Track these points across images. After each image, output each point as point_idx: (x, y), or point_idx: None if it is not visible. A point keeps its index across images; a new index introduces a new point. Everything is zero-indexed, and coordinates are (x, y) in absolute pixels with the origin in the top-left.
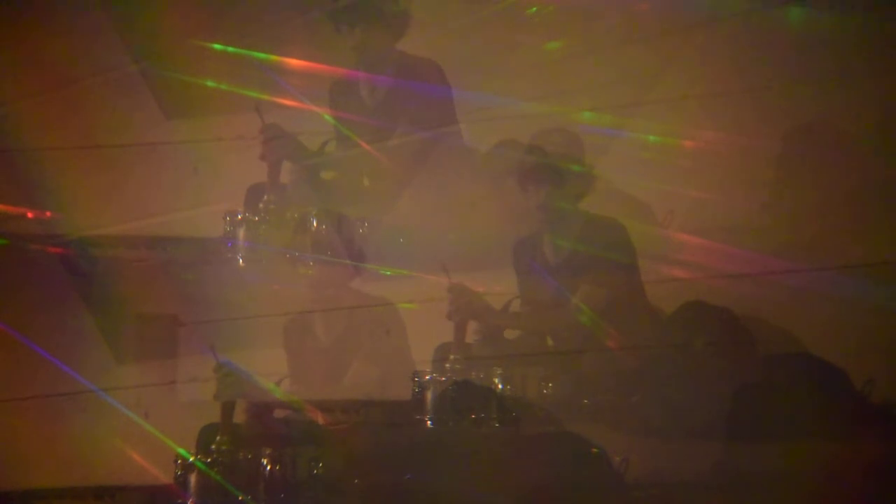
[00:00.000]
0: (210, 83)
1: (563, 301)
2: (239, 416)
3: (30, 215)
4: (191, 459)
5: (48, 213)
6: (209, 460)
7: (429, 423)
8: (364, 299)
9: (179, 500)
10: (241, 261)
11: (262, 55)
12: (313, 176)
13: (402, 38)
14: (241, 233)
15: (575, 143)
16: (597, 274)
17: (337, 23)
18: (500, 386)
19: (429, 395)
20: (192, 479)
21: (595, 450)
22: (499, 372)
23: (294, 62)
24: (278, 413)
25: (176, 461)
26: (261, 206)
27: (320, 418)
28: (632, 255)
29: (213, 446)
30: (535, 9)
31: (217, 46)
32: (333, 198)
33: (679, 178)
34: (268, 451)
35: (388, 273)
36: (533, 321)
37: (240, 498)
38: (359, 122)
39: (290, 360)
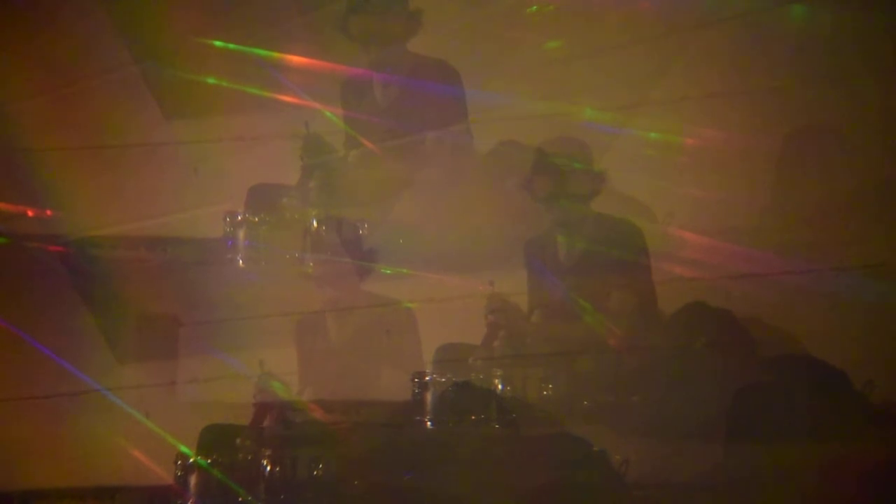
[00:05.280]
0: (211, 81)
1: (576, 304)
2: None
3: (31, 214)
4: (191, 459)
5: (49, 213)
6: (210, 460)
7: (429, 423)
8: (367, 299)
9: (180, 501)
10: (240, 261)
11: (263, 52)
12: (328, 178)
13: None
14: (241, 233)
15: (582, 148)
16: (616, 273)
17: (352, 11)
18: (500, 387)
19: (429, 396)
20: (193, 479)
21: (595, 450)
22: (499, 373)
23: (296, 60)
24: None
25: (176, 461)
26: (284, 201)
27: (321, 419)
28: (646, 256)
29: (238, 440)
30: (535, 8)
31: (218, 44)
32: (343, 199)
33: (680, 177)
34: (268, 452)
35: (388, 272)
36: (549, 326)
37: (240, 498)
38: (371, 121)
39: (300, 359)
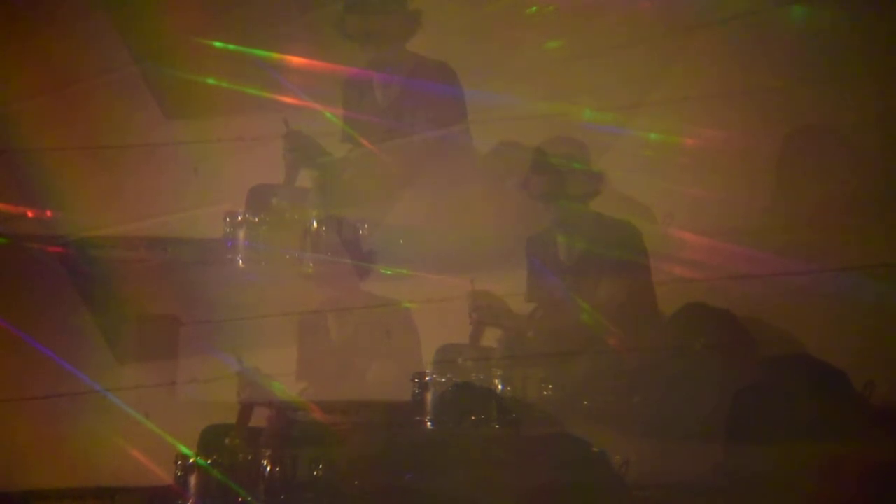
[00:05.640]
0: (211, 81)
1: (576, 302)
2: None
3: (30, 215)
4: (191, 460)
5: (49, 213)
6: (210, 461)
7: (429, 424)
8: (367, 300)
9: (180, 501)
10: (240, 261)
11: (263, 53)
12: (328, 179)
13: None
14: (241, 233)
15: (581, 149)
16: (615, 272)
17: (348, 10)
18: (500, 387)
19: (429, 397)
20: (193, 479)
21: (595, 450)
22: (499, 373)
23: (296, 60)
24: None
25: (176, 462)
26: (274, 201)
27: (321, 419)
28: (645, 256)
29: (227, 440)
30: (535, 8)
31: (218, 44)
32: (342, 199)
33: (680, 177)
34: (268, 452)
35: (388, 273)
36: (548, 324)
37: (240, 499)
38: (371, 121)
39: (300, 359)
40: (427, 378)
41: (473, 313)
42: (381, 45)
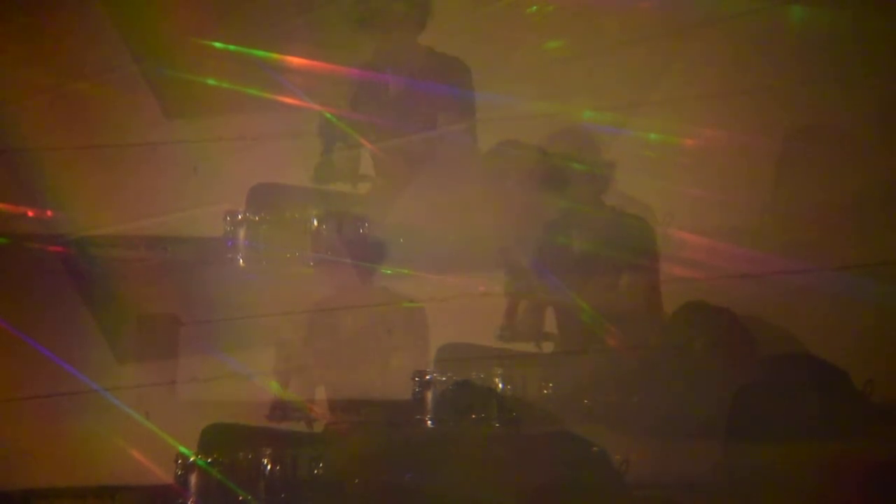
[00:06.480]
0: (212, 81)
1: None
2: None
3: (31, 214)
4: (191, 459)
5: (49, 213)
6: (210, 460)
7: (429, 422)
8: (367, 299)
9: (180, 500)
10: (241, 261)
11: (264, 53)
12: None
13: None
14: (241, 233)
15: (588, 142)
16: (622, 267)
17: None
18: (500, 386)
19: (429, 395)
20: (193, 478)
21: (595, 450)
22: (499, 372)
23: (297, 60)
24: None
25: (177, 461)
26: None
27: (321, 417)
28: (653, 251)
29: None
30: (535, 8)
31: (218, 45)
32: (342, 198)
33: (680, 177)
34: (268, 451)
35: (389, 273)
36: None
37: (240, 498)
38: (373, 121)
39: (301, 359)
40: (428, 376)
41: (510, 285)
42: (389, 33)
